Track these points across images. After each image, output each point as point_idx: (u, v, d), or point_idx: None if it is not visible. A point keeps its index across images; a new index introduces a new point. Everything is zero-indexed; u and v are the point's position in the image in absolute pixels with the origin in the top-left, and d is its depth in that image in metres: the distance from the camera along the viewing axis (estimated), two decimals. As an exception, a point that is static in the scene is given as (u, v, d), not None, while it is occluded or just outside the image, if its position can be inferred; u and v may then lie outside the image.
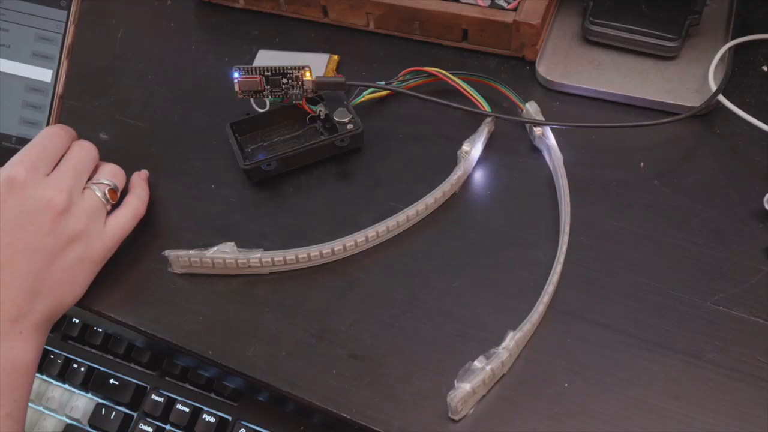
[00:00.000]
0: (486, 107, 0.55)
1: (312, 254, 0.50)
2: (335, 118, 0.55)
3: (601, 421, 0.43)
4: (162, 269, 0.51)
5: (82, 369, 0.59)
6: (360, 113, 0.55)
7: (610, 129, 0.56)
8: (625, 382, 0.44)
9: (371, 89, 0.57)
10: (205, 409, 0.55)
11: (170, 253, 0.50)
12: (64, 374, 0.59)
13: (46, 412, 0.59)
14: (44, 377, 0.60)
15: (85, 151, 0.50)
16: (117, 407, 0.57)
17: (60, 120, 0.52)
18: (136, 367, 0.58)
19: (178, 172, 0.57)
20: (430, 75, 0.57)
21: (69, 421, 0.59)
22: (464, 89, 0.56)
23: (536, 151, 0.55)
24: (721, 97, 0.53)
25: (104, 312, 0.50)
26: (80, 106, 0.61)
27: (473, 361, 0.44)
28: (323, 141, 0.54)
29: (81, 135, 0.52)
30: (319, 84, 0.54)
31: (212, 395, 0.56)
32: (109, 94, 0.63)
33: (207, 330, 0.49)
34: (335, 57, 0.62)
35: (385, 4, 0.61)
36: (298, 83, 0.54)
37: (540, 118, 0.55)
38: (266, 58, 0.62)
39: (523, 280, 0.49)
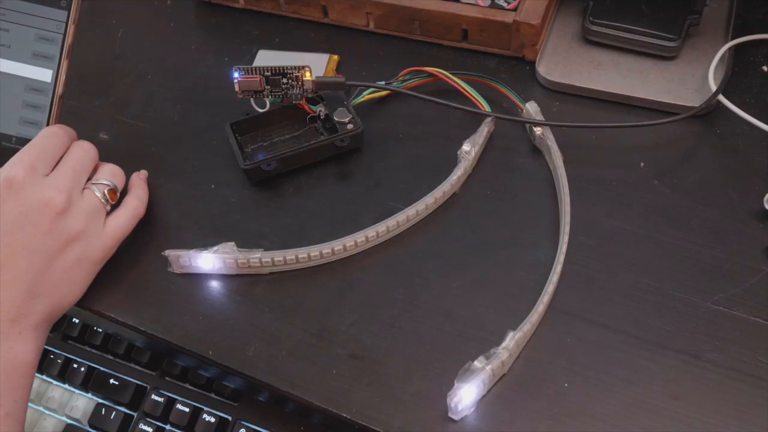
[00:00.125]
0: (486, 107, 0.55)
1: (312, 254, 0.50)
2: (335, 118, 0.55)
3: (601, 421, 0.43)
4: (162, 269, 0.51)
5: (82, 369, 0.59)
6: (360, 113, 0.55)
7: (610, 129, 0.56)
8: (625, 382, 0.44)
9: (371, 89, 0.57)
10: (205, 409, 0.55)
11: (170, 253, 0.50)
12: (64, 374, 0.59)
13: (46, 412, 0.59)
14: (44, 377, 0.60)
15: (84, 151, 0.50)
16: (117, 407, 0.57)
17: (60, 120, 0.52)
18: (136, 367, 0.58)
19: (178, 172, 0.57)
20: (430, 75, 0.57)
21: (69, 421, 0.59)
22: (464, 89, 0.56)
23: (536, 151, 0.55)
24: (721, 97, 0.53)
25: (104, 312, 0.50)
26: (80, 106, 0.61)
27: (473, 361, 0.44)
28: (323, 141, 0.54)
29: (81, 135, 0.52)
30: (319, 84, 0.54)
31: (212, 395, 0.56)
32: (109, 94, 0.63)
33: (207, 330, 0.49)
34: (335, 57, 0.62)
35: (385, 4, 0.61)
36: (298, 83, 0.54)
37: (540, 118, 0.55)
38: (266, 58, 0.62)
39: (523, 280, 0.49)
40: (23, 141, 0.50)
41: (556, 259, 0.48)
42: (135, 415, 0.57)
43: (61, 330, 0.60)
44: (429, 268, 0.50)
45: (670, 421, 0.43)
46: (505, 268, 0.50)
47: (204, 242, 0.51)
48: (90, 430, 0.58)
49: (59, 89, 0.52)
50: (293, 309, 0.49)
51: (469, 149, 0.54)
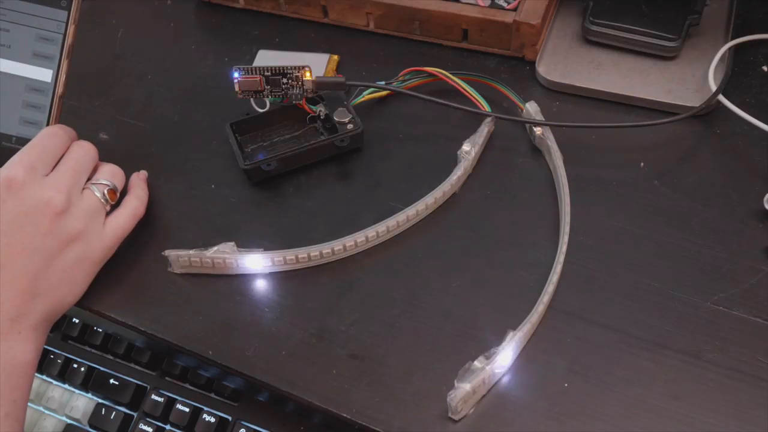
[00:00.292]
0: (486, 107, 0.55)
1: (312, 254, 0.50)
2: (335, 118, 0.55)
3: (601, 421, 0.43)
4: (162, 269, 0.51)
5: (82, 369, 0.59)
6: (360, 113, 0.55)
7: (610, 129, 0.56)
8: (625, 382, 0.44)
9: (371, 89, 0.57)
10: (205, 409, 0.55)
11: (170, 253, 0.50)
12: (64, 374, 0.59)
13: (46, 412, 0.59)
14: (44, 377, 0.60)
15: (84, 151, 0.50)
16: (117, 407, 0.57)
17: (60, 120, 0.52)
18: (136, 367, 0.58)
19: (178, 172, 0.57)
20: (430, 75, 0.57)
21: (69, 421, 0.59)
22: (464, 89, 0.56)
23: (536, 151, 0.55)
24: (721, 97, 0.53)
25: (104, 312, 0.50)
26: (80, 106, 0.61)
27: (473, 361, 0.44)
28: (323, 141, 0.54)
29: (81, 135, 0.52)
30: (319, 84, 0.54)
31: (212, 395, 0.56)
32: (109, 94, 0.63)
33: (207, 330, 0.49)
34: (335, 57, 0.62)
35: (385, 4, 0.61)
36: (298, 83, 0.54)
37: (540, 118, 0.55)
38: (266, 58, 0.62)
39: (523, 280, 0.49)
40: (23, 141, 0.50)
41: (556, 259, 0.48)
42: (135, 415, 0.57)
43: (61, 330, 0.60)
44: (429, 268, 0.50)
45: (670, 421, 0.43)
46: (505, 268, 0.50)
47: (204, 242, 0.51)
48: (90, 430, 0.58)
49: (59, 89, 0.52)
50: (293, 309, 0.49)
51: (469, 149, 0.54)
